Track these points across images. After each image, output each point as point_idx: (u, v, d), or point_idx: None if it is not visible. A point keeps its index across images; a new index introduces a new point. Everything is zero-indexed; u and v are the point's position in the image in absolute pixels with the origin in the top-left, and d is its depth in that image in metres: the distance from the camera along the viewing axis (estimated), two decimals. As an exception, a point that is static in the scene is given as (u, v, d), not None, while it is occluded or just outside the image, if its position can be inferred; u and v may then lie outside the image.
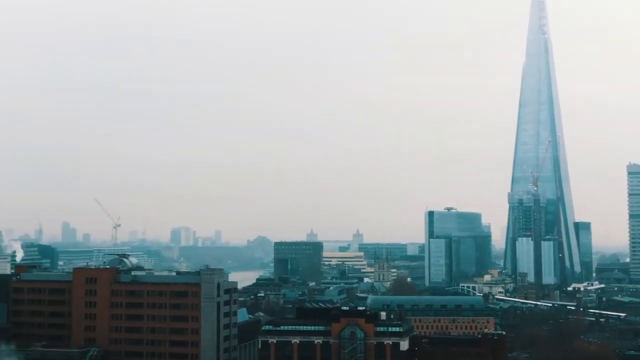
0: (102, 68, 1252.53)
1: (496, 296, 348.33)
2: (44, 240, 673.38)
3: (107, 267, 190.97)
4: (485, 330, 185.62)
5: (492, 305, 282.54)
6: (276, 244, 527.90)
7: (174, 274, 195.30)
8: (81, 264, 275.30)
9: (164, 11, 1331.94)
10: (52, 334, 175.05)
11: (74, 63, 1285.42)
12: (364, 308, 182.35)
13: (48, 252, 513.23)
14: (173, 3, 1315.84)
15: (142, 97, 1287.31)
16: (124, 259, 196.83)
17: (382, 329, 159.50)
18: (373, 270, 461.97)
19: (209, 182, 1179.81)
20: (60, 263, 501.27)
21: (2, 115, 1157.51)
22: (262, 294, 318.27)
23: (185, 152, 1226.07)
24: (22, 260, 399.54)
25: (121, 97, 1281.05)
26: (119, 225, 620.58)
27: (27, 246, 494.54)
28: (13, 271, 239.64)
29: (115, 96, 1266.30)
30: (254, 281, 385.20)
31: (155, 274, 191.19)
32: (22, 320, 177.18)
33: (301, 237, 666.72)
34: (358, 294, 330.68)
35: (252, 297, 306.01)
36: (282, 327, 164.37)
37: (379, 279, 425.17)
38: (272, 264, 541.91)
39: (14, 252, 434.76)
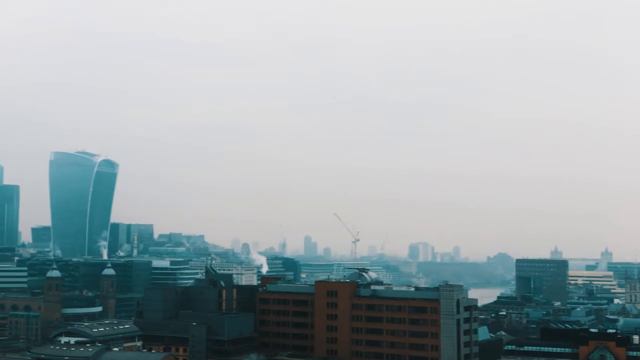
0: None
1: None
2: (288, 254, 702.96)
3: (348, 280, 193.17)
4: None
5: None
6: (518, 260, 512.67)
7: (412, 289, 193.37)
8: (322, 277, 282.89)
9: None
10: (296, 344, 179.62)
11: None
12: (614, 331, 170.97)
13: (291, 264, 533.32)
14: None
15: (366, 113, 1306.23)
16: (364, 273, 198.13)
17: (635, 353, 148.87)
18: (624, 291, 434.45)
19: (448, 196, 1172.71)
20: (303, 276, 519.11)
21: (243, 127, 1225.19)
22: (504, 313, 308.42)
23: (422, 166, 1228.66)
24: (267, 272, 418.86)
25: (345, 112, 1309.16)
26: (358, 240, 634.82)
27: (271, 259, 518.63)
28: (259, 282, 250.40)
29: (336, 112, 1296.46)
30: (495, 299, 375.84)
31: (394, 288, 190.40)
32: (268, 329, 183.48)
33: (544, 254, 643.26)
34: (607, 316, 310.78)
35: (493, 315, 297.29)
36: (525, 348, 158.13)
37: (631, 300, 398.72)
38: (513, 282, 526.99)
39: (260, 264, 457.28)
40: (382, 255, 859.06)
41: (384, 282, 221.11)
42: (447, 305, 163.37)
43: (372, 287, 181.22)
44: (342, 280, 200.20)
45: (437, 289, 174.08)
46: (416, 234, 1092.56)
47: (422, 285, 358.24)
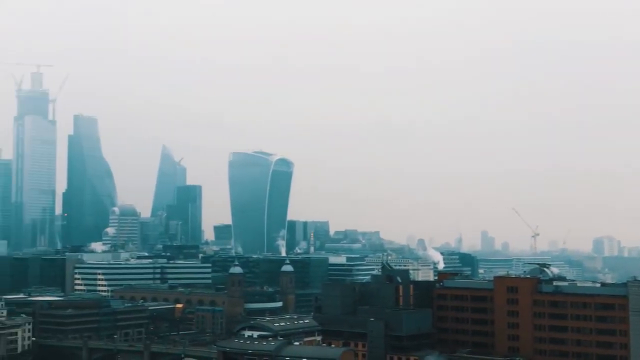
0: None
1: None
2: (464, 249, 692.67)
3: (528, 276, 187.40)
4: None
5: None
6: None
7: (597, 285, 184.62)
8: (501, 272, 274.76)
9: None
10: (476, 340, 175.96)
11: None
12: None
13: (468, 260, 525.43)
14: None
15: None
16: (545, 269, 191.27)
17: None
18: None
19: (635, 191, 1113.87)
20: (481, 271, 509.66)
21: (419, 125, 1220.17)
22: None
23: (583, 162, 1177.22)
24: (444, 268, 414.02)
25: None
26: (537, 235, 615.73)
27: (448, 254, 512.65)
28: (436, 278, 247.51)
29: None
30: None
31: (578, 284, 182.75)
32: (446, 326, 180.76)
33: None
34: None
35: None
36: None
37: None
38: None
39: (437, 260, 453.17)
40: (563, 250, 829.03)
41: (567, 278, 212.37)
42: (637, 302, 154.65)
43: (555, 283, 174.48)
44: (522, 276, 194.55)
45: (625, 284, 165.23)
46: (601, 228, 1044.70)
47: (608, 281, 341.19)
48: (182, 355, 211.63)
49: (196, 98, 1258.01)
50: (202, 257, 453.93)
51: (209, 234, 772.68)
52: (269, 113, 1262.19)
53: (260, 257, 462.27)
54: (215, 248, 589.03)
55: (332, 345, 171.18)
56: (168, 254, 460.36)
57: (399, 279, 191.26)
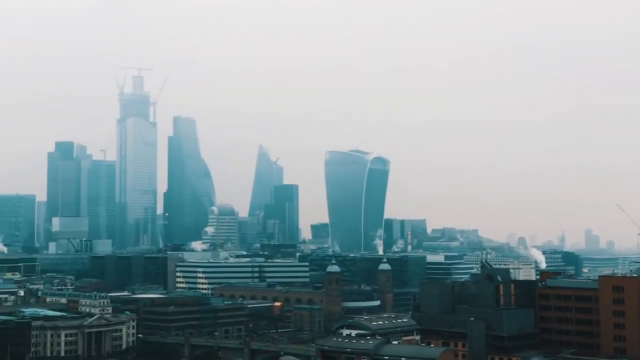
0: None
1: None
2: (567, 247, 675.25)
3: (634, 275, 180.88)
4: None
5: None
6: None
7: None
8: (606, 271, 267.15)
9: None
10: (580, 341, 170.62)
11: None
12: None
13: (571, 259, 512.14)
14: None
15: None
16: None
17: None
18: None
19: None
20: (585, 270, 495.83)
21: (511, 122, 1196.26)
22: None
23: None
24: (546, 267, 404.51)
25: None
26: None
27: (550, 253, 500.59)
28: (538, 277, 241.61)
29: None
30: None
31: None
32: (549, 326, 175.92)
33: None
34: None
35: None
36: None
37: None
38: None
39: (539, 259, 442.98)
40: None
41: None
42: None
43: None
44: (628, 275, 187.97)
45: None
46: None
47: None
48: (281, 353, 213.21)
49: (287, 100, 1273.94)
50: (299, 256, 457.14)
51: (306, 233, 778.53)
52: (360, 113, 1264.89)
53: (358, 255, 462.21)
54: (312, 247, 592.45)
55: (431, 345, 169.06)
56: (266, 252, 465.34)
57: (499, 278, 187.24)
